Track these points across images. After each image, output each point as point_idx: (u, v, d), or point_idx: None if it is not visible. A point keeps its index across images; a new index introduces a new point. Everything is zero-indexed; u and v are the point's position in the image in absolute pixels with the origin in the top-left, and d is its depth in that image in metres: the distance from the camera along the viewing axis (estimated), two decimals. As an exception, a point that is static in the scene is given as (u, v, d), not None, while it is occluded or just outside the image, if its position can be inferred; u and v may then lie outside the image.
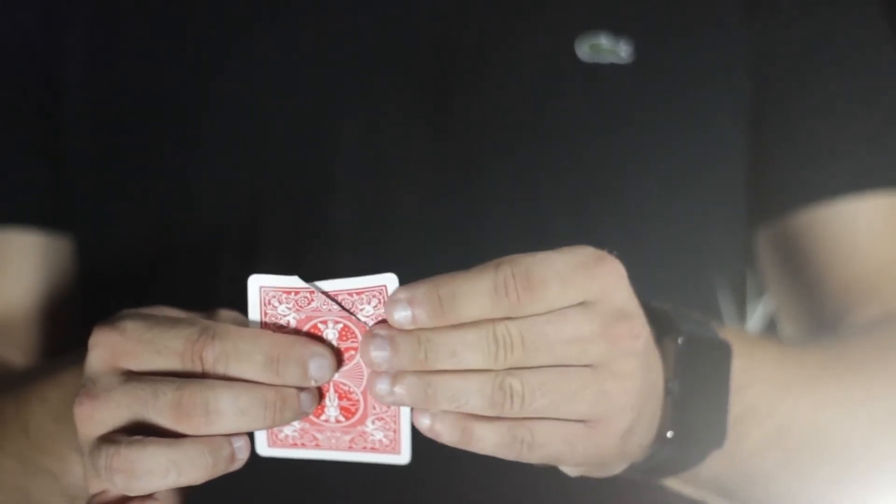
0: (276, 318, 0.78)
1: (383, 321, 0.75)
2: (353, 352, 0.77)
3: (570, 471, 0.82)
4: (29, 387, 0.92)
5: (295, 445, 0.81)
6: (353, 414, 0.79)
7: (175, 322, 0.77)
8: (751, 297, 1.21)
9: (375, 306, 0.76)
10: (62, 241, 1.13)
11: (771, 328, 1.24)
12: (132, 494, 0.76)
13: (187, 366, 0.76)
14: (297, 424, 0.80)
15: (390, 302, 0.73)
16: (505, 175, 1.09)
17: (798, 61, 1.14)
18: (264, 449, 0.81)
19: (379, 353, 0.73)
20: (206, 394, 0.75)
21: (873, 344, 1.04)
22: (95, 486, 0.78)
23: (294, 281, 0.77)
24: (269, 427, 0.77)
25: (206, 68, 1.11)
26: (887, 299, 1.11)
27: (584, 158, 1.10)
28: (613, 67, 1.11)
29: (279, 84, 1.10)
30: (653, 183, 1.11)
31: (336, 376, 0.78)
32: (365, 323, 0.76)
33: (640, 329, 0.77)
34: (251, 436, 0.79)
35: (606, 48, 1.11)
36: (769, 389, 0.95)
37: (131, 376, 0.77)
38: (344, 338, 0.77)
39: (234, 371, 0.76)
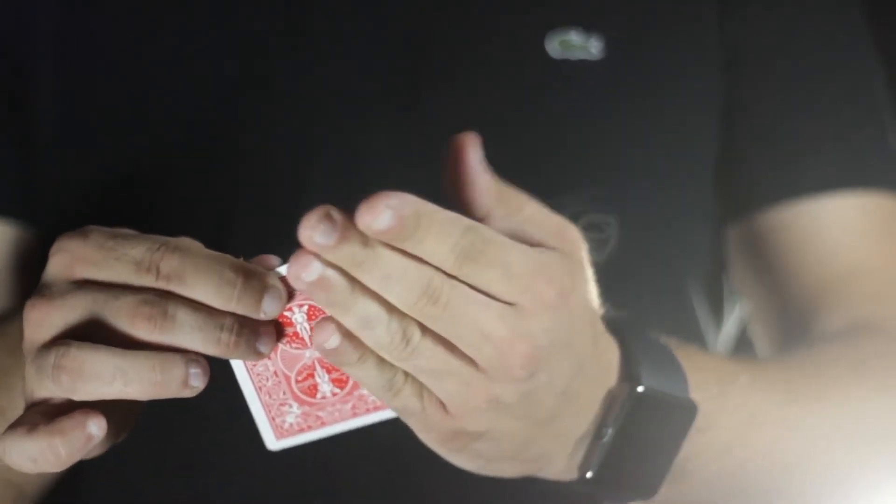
0: None
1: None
2: None
3: (425, 440, 0.80)
4: None
5: (302, 430, 0.81)
6: (346, 383, 0.79)
7: (139, 235, 0.77)
8: (728, 297, 1.20)
9: None
10: (31, 233, 1.12)
11: (747, 330, 1.23)
12: (76, 398, 0.76)
13: (143, 277, 0.75)
14: (297, 410, 0.80)
15: (376, 202, 0.70)
16: None
17: (770, 57, 1.14)
18: (273, 443, 0.81)
19: (322, 241, 0.70)
20: (165, 301, 0.75)
21: (838, 364, 1.03)
22: (38, 392, 0.77)
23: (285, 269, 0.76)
24: (223, 354, 0.76)
25: (179, 58, 1.11)
26: (855, 305, 1.10)
27: (554, 156, 1.10)
28: (583, 64, 1.10)
29: (251, 77, 1.10)
30: (624, 180, 1.11)
31: (317, 353, 0.77)
32: None
33: (535, 360, 0.75)
34: (259, 434, 0.80)
35: (577, 44, 1.11)
36: (729, 430, 0.93)
37: (88, 284, 0.76)
38: (312, 317, 0.77)
39: (189, 285, 0.75)
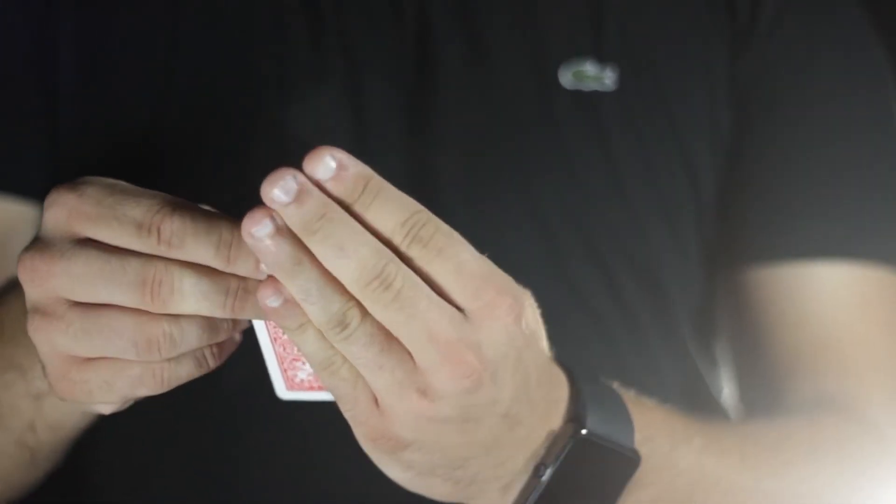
0: None
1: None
2: None
3: (357, 436, 0.78)
4: (8, 286, 0.93)
5: (312, 388, 0.79)
6: None
7: (137, 192, 0.75)
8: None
9: None
10: None
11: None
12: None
13: (143, 238, 0.74)
14: (309, 368, 0.78)
15: (321, 149, 0.69)
16: (476, 200, 1.09)
17: (781, 109, 1.13)
18: (283, 392, 0.80)
19: (279, 196, 0.69)
20: (171, 272, 0.73)
21: (796, 441, 1.01)
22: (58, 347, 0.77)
23: None
24: (229, 316, 0.75)
25: (200, 56, 1.12)
26: (824, 377, 1.08)
27: (560, 185, 1.10)
28: (596, 95, 1.10)
29: (268, 79, 1.11)
30: (628, 214, 1.10)
31: None
32: None
33: (478, 374, 0.73)
34: (270, 385, 0.79)
35: (591, 75, 1.11)
36: (675, 489, 0.90)
37: (90, 244, 0.75)
38: None
39: (188, 249, 0.73)
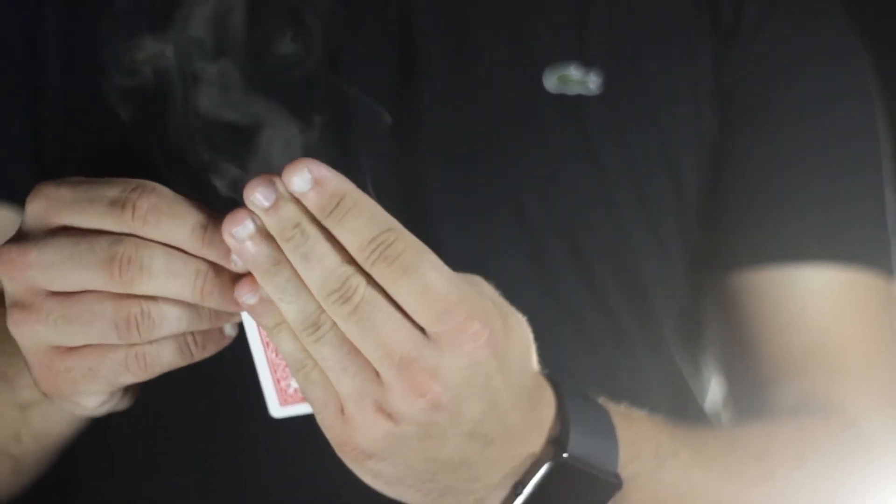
0: None
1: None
2: None
3: (327, 436, 0.80)
4: None
5: (305, 400, 0.79)
6: None
7: (114, 179, 0.76)
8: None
9: None
10: None
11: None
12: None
13: (117, 216, 0.75)
14: None
15: (300, 162, 0.72)
16: (461, 205, 1.09)
17: (765, 114, 1.13)
18: (277, 410, 0.81)
19: (260, 199, 0.72)
20: (140, 251, 0.74)
21: (782, 446, 1.00)
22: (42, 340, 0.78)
23: None
24: (198, 301, 0.76)
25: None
26: (811, 380, 1.08)
27: (545, 190, 1.10)
28: (580, 99, 1.10)
29: (254, 78, 1.12)
30: (612, 218, 1.10)
31: None
32: None
33: (432, 395, 0.74)
34: (263, 400, 0.80)
35: (575, 79, 1.11)
36: (661, 502, 0.90)
37: (62, 231, 0.76)
38: None
39: (164, 227, 0.75)
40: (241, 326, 0.79)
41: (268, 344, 0.79)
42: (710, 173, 1.13)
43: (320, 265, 0.72)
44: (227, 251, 0.75)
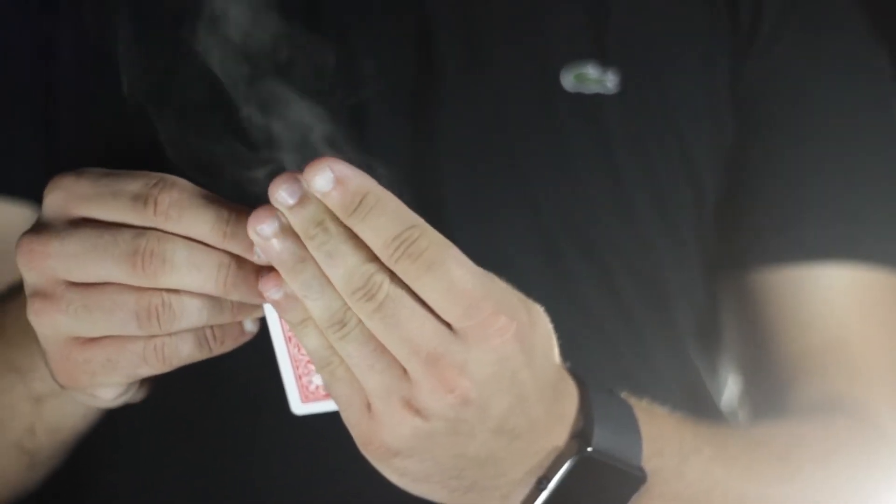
0: None
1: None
2: None
3: (354, 439, 0.80)
4: (7, 291, 0.93)
5: (327, 396, 0.79)
6: None
7: (135, 172, 0.77)
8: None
9: None
10: None
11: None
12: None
13: (139, 211, 0.75)
14: None
15: (322, 161, 0.72)
16: (478, 204, 1.09)
17: (785, 117, 1.13)
18: (299, 407, 0.80)
19: (285, 197, 0.72)
20: (163, 244, 0.75)
21: (806, 445, 1.00)
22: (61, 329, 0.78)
23: None
24: (221, 294, 0.76)
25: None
26: (832, 379, 1.08)
27: (558, 188, 1.10)
28: (598, 98, 1.10)
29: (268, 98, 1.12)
30: (629, 219, 1.10)
31: None
32: None
33: (461, 391, 0.74)
34: (284, 397, 0.79)
35: (593, 78, 1.11)
36: (683, 499, 0.90)
37: (86, 223, 0.76)
38: None
39: (186, 221, 0.75)
40: (263, 322, 0.79)
41: (290, 339, 0.79)
42: (727, 174, 1.13)
43: (344, 263, 0.72)
44: (250, 244, 0.75)
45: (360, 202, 0.72)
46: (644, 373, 1.11)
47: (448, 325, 0.74)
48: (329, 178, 0.72)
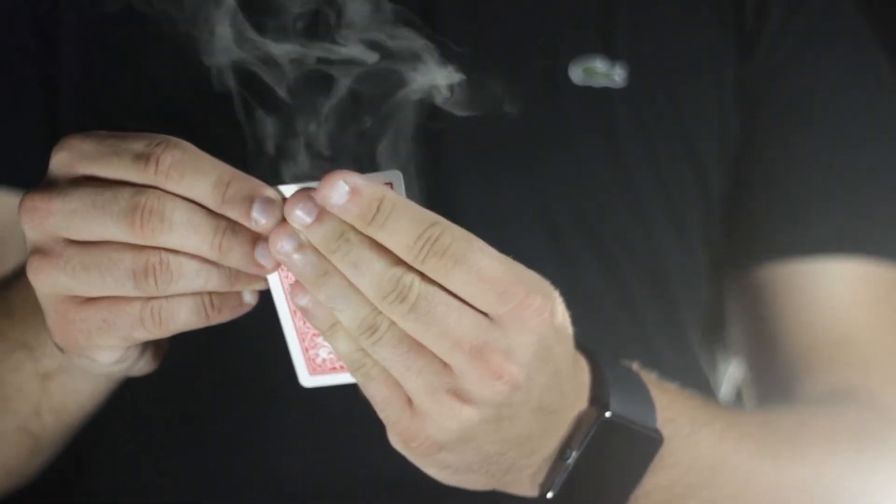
0: None
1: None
2: None
3: (390, 438, 0.80)
4: (14, 273, 0.94)
5: (335, 369, 0.80)
6: None
7: (140, 133, 0.77)
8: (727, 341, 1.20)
9: None
10: None
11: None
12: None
13: (140, 169, 0.75)
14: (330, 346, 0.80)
15: (334, 176, 0.72)
16: (485, 197, 1.09)
17: (788, 113, 1.14)
18: (307, 379, 0.81)
19: (302, 216, 0.73)
20: (163, 202, 0.75)
21: (816, 429, 1.02)
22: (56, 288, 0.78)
23: (288, 189, 0.76)
24: (216, 258, 0.76)
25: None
26: (841, 371, 1.09)
27: (566, 181, 1.10)
28: (606, 91, 1.11)
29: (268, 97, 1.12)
30: (636, 212, 1.11)
31: None
32: None
33: (509, 376, 0.75)
34: (293, 369, 0.80)
35: (601, 72, 1.11)
36: (695, 472, 0.92)
37: (86, 180, 0.77)
38: None
39: (186, 182, 0.75)
40: (268, 295, 0.79)
41: (295, 313, 0.79)
42: (733, 169, 1.14)
43: (370, 270, 0.73)
44: (248, 210, 0.75)
45: (377, 209, 0.72)
46: (647, 364, 1.11)
47: (483, 314, 0.75)
48: (344, 191, 0.72)
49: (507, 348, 0.75)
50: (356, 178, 0.72)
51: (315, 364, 0.80)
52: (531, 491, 0.84)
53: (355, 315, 0.74)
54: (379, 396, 0.77)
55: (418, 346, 0.75)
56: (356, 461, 1.04)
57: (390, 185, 0.75)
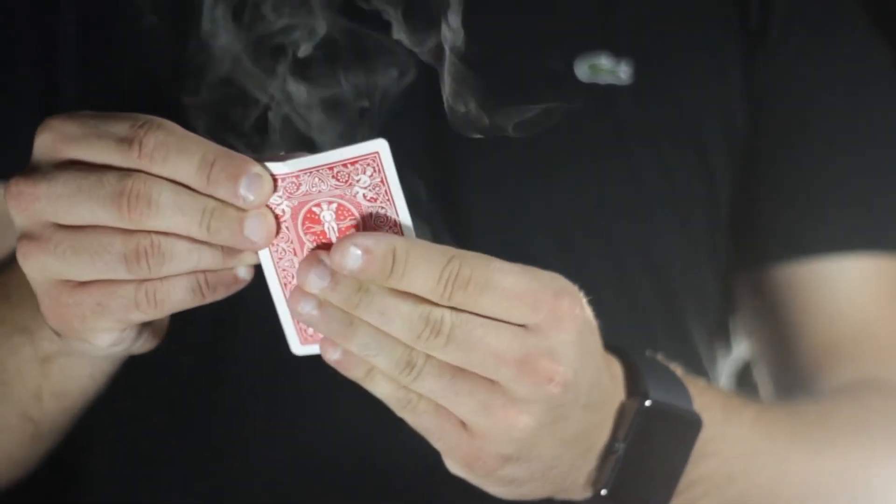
0: (271, 208, 0.77)
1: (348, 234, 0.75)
2: (353, 230, 0.76)
3: (448, 464, 0.81)
4: (11, 259, 0.92)
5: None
6: None
7: (123, 114, 0.76)
8: (731, 339, 1.21)
9: (371, 175, 0.75)
10: None
11: (747, 372, 1.23)
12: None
13: (124, 153, 0.74)
14: None
15: (344, 242, 0.73)
16: (492, 194, 1.10)
17: (795, 111, 1.14)
18: (298, 348, 0.80)
19: (317, 281, 0.73)
20: (149, 185, 0.74)
21: (843, 416, 1.04)
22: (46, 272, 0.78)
23: (278, 167, 0.75)
24: (205, 238, 0.75)
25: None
26: (862, 363, 1.10)
27: (572, 179, 1.10)
28: (611, 88, 1.11)
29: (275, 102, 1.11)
30: (641, 209, 1.11)
31: None
32: (360, 201, 0.75)
33: (559, 377, 0.76)
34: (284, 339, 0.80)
35: (606, 69, 1.11)
36: (732, 460, 0.93)
37: (71, 164, 0.76)
38: (341, 217, 0.76)
39: (171, 162, 0.74)
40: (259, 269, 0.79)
41: (286, 285, 0.78)
42: (741, 171, 1.14)
43: (399, 314, 0.73)
44: (235, 188, 0.74)
45: (393, 262, 0.73)
46: None
47: (517, 325, 0.75)
48: (357, 255, 0.72)
49: (550, 351, 0.76)
50: (364, 239, 0.73)
51: (306, 334, 0.80)
52: (585, 492, 0.86)
53: (390, 357, 0.74)
54: (432, 427, 0.78)
55: (460, 371, 0.75)
56: (362, 448, 1.05)
57: (377, 154, 0.75)
